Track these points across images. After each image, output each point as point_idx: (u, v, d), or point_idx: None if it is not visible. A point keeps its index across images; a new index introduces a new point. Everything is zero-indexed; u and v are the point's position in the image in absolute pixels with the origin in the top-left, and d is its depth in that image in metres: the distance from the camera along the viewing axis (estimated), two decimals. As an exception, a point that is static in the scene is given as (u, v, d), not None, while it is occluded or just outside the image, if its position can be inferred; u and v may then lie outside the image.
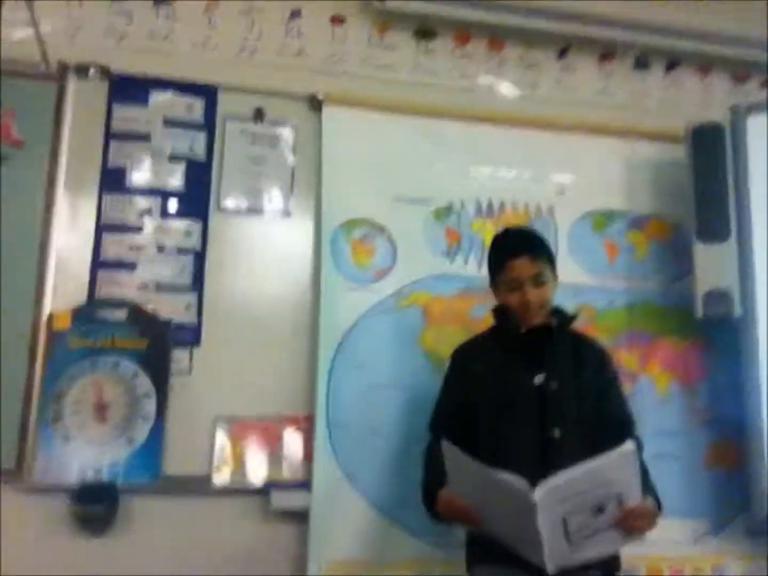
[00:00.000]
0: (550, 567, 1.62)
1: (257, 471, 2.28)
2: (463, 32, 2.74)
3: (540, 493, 1.55)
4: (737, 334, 2.45)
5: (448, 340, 2.28)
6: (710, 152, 2.49)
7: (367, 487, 2.28)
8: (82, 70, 2.37)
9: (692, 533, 2.48)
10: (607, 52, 2.88)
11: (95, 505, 2.10)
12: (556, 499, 1.58)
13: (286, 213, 2.49)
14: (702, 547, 2.48)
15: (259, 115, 2.51)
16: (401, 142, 2.56)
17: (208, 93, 2.47)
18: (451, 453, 1.68)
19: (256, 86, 2.50)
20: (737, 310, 2.41)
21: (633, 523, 1.67)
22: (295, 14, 2.60)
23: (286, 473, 2.29)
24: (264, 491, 2.26)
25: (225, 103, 2.48)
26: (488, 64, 2.78)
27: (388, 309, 2.43)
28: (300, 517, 2.25)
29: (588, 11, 2.70)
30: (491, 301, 2.03)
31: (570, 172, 2.70)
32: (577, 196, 2.67)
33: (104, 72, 2.39)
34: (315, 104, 2.53)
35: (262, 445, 2.30)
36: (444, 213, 2.56)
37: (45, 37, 2.26)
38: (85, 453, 2.17)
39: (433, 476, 1.84)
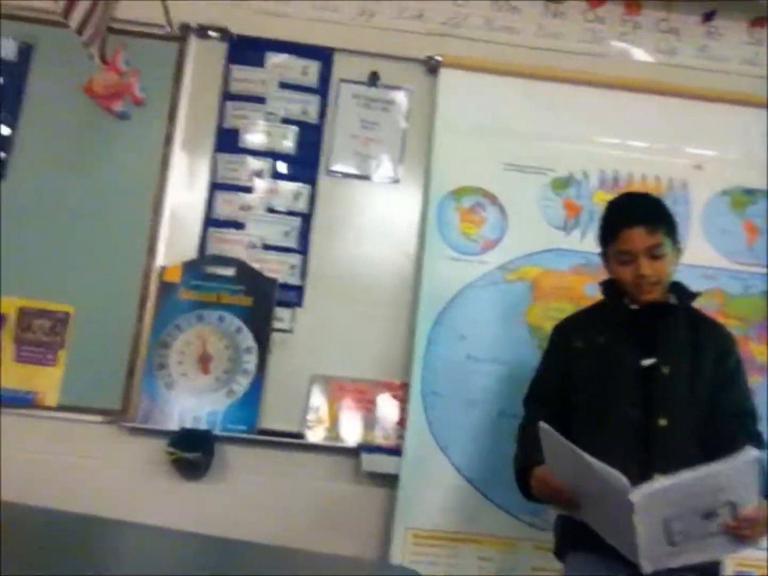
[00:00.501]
0: (646, 567, 1.49)
1: (350, 432, 2.29)
2: (598, -6, 2.60)
3: (640, 494, 1.42)
4: None
5: (556, 317, 2.17)
6: None
7: (459, 458, 2.23)
8: (202, 31, 2.45)
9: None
10: (760, 16, 2.62)
11: (192, 451, 2.17)
12: (660, 501, 1.44)
13: (395, 179, 2.46)
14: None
15: (373, 78, 2.48)
16: (520, 108, 2.46)
17: (323, 56, 2.48)
18: (547, 436, 1.56)
19: (372, 49, 2.48)
20: None
21: (745, 531, 1.51)
22: (415, -24, 2.55)
23: (378, 437, 2.28)
24: (356, 452, 2.26)
25: (340, 67, 2.48)
26: (623, 28, 2.62)
27: (493, 282, 2.34)
28: (389, 482, 2.23)
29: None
30: (608, 278, 1.90)
31: (709, 145, 2.51)
32: (716, 171, 2.49)
33: (223, 33, 2.45)
34: (431, 68, 2.48)
35: (356, 407, 2.30)
36: (563, 183, 2.44)
37: (169, -2, 2.36)
38: (186, 401, 2.25)
39: (528, 453, 1.74)
